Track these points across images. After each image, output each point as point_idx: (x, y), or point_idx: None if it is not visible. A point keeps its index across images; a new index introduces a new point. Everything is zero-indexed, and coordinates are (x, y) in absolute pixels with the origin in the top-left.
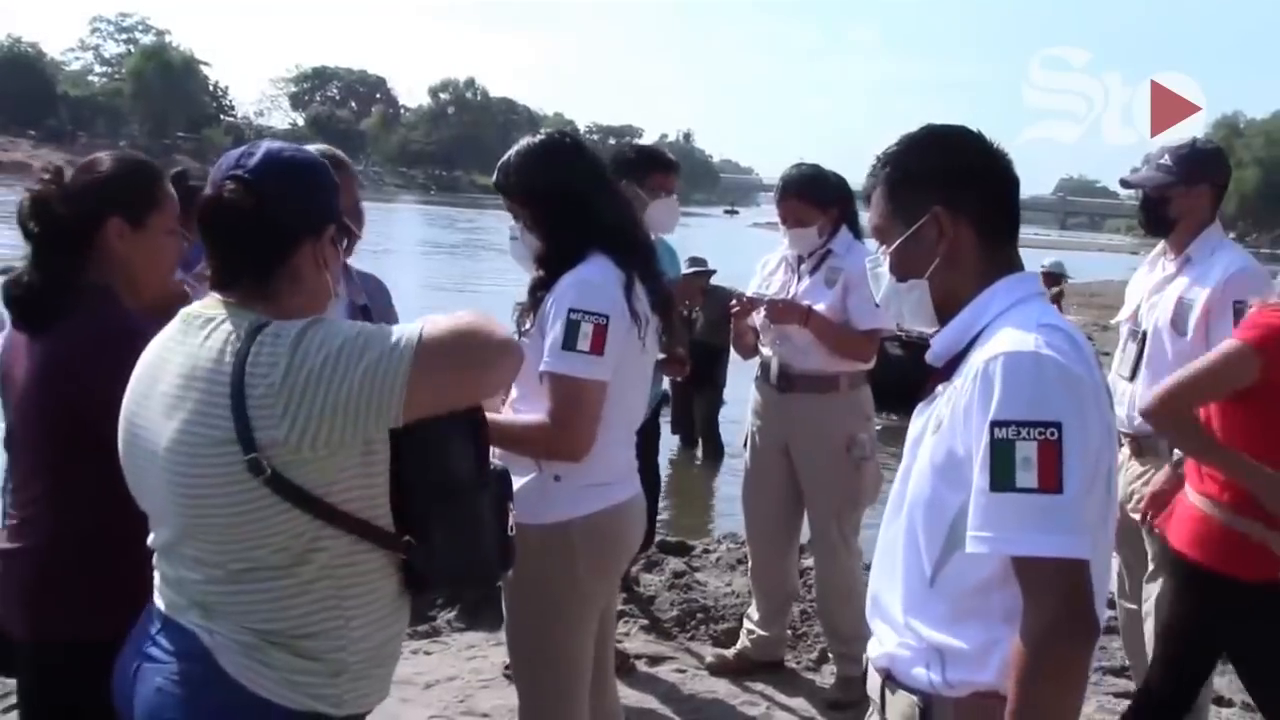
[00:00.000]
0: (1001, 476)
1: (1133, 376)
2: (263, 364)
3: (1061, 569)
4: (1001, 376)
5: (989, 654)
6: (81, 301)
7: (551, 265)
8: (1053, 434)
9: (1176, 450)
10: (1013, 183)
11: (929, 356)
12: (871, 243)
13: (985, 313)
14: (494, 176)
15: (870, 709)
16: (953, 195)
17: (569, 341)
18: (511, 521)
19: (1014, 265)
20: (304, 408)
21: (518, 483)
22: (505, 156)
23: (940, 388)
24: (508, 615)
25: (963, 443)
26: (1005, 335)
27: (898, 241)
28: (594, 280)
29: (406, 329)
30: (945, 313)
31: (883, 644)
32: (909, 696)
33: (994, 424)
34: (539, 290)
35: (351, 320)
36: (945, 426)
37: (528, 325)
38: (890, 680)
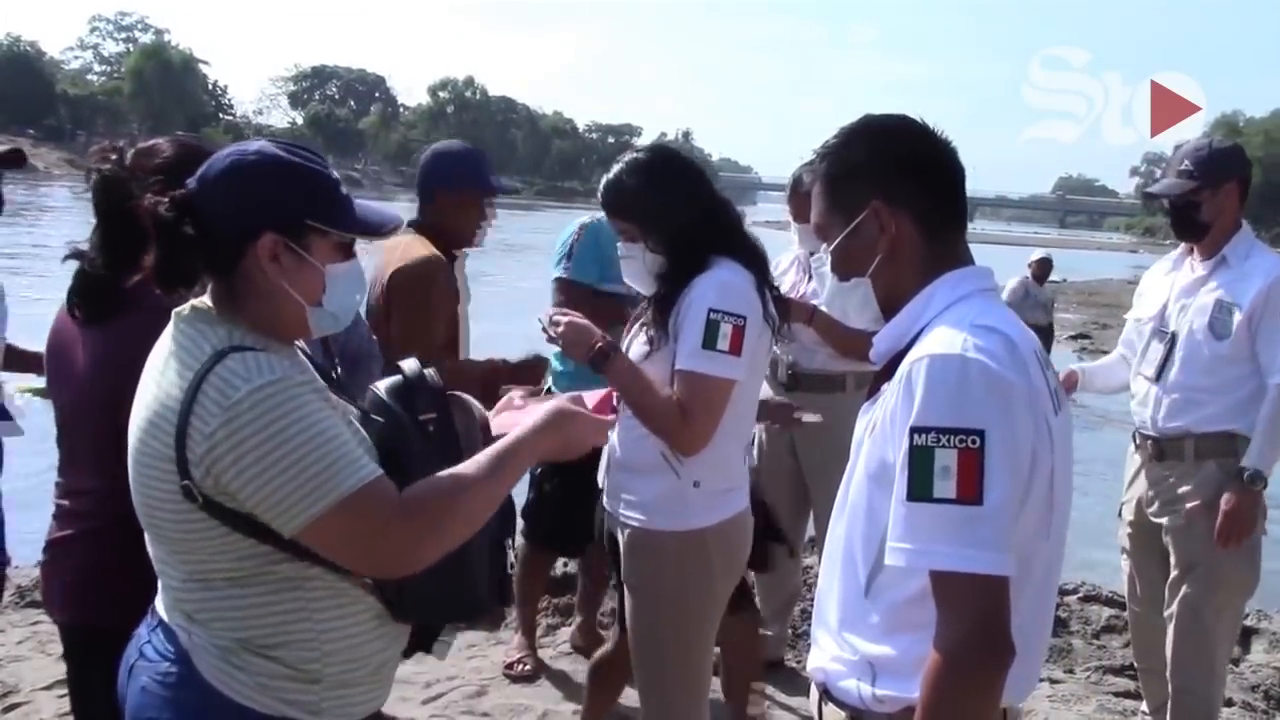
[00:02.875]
0: (919, 485)
1: (1158, 378)
2: (207, 404)
3: (976, 585)
4: (924, 380)
5: (921, 667)
6: (137, 296)
7: (677, 279)
8: (974, 442)
9: (1246, 462)
10: (957, 172)
11: (872, 355)
12: None
13: (927, 309)
14: (601, 197)
15: None
16: (892, 188)
17: (709, 341)
18: (511, 558)
19: (960, 259)
20: (221, 469)
21: (654, 489)
22: (612, 176)
23: (884, 387)
24: (639, 624)
25: (892, 449)
26: (935, 336)
27: (838, 239)
28: (732, 282)
29: (355, 464)
30: (890, 309)
31: (822, 655)
32: (840, 712)
33: (913, 430)
34: (666, 304)
35: (319, 394)
36: (878, 431)
37: (658, 340)
38: (826, 694)
